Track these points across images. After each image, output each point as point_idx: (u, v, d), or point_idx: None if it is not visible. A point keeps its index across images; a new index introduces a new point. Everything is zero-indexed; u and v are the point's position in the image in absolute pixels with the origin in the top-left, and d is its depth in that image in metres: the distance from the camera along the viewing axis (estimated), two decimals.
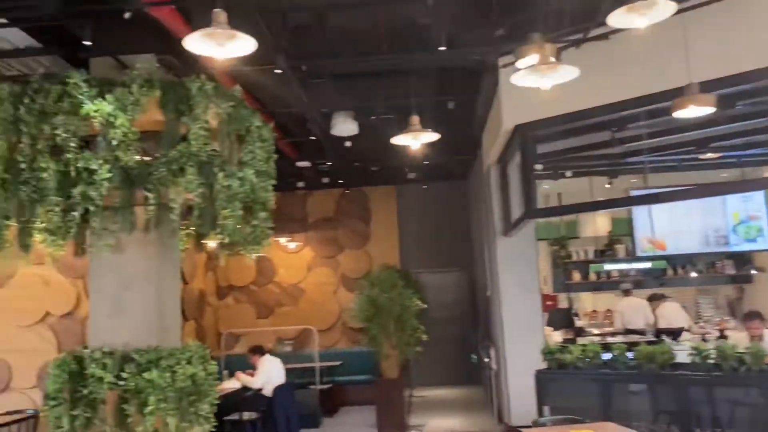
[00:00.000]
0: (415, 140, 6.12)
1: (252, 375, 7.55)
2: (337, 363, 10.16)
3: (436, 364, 11.25)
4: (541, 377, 6.14)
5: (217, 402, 4.90)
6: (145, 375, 4.42)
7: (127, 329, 4.77)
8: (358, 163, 9.79)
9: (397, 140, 6.21)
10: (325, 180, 10.98)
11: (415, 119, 6.02)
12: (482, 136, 8.67)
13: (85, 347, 4.82)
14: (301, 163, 9.49)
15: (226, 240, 4.81)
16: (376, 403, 8.34)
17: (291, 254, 11.69)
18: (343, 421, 9.43)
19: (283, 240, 11.43)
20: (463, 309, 11.85)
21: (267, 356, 7.76)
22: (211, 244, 5.35)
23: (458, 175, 11.40)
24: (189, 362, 4.75)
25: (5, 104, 4.37)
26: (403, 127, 6.11)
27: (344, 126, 7.45)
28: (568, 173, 8.60)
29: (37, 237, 4.53)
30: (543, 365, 6.29)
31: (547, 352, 6.28)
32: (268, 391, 7.44)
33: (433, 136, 6.20)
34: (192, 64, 4.88)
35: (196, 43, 3.79)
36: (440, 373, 11.51)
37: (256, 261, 11.61)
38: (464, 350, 11.19)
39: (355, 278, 11.58)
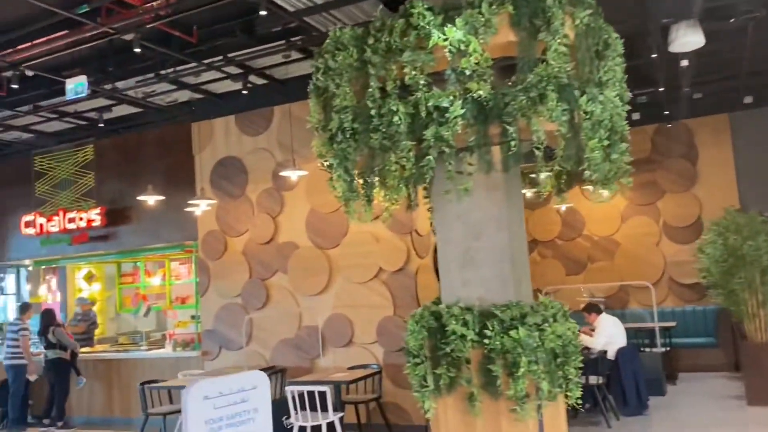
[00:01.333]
0: None
1: (589, 334, 6.84)
2: (673, 323, 8.92)
3: None
4: None
5: (581, 365, 4.27)
6: (512, 333, 3.94)
7: (480, 282, 4.34)
8: (689, 88, 8.28)
9: None
10: (635, 116, 9.65)
11: None
12: None
13: (437, 302, 4.53)
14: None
15: (593, 176, 4.08)
16: (744, 371, 6.97)
17: (600, 203, 10.56)
18: (691, 390, 8.21)
19: (591, 187, 10.35)
20: None
21: (604, 315, 6.97)
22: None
23: None
24: (554, 319, 4.18)
25: (349, 48, 4.16)
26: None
27: (687, 39, 6.16)
28: None
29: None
30: None
31: None
32: (610, 354, 6.66)
33: None
34: None
35: None
36: None
37: (561, 213, 10.97)
38: None
39: (680, 227, 10.09)
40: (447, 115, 3.85)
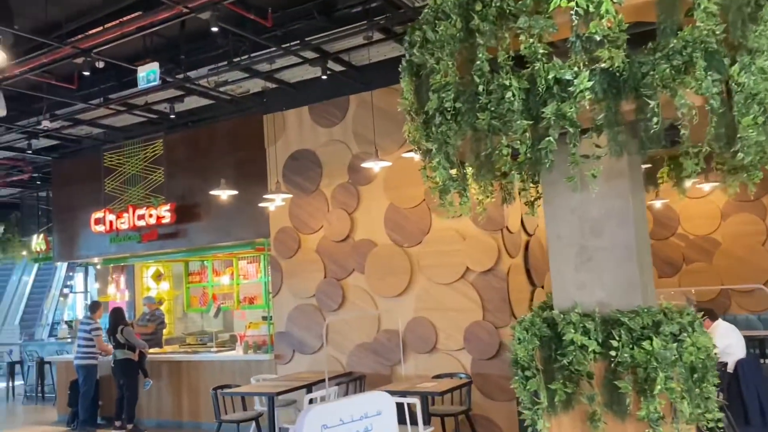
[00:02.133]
0: None
1: None
2: None
3: None
4: None
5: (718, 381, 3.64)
6: (644, 345, 3.34)
7: (600, 285, 3.76)
8: None
9: None
10: None
11: None
12: None
13: (545, 307, 3.98)
14: None
15: (746, 160, 3.43)
16: None
17: (697, 199, 9.75)
18: None
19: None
20: None
21: (720, 321, 6.22)
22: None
23: None
24: (693, 328, 3.56)
25: (452, 17, 3.63)
26: None
27: None
28: None
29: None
30: None
31: None
32: (730, 366, 5.93)
33: None
34: None
35: None
36: None
37: (653, 209, 10.14)
38: None
39: None
40: (571, 89, 3.26)
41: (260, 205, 7.75)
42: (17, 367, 13.64)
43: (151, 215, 9.04)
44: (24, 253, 15.48)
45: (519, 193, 4.40)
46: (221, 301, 10.75)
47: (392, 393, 5.69)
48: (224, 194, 7.66)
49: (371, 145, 7.21)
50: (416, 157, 3.94)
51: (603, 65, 3.25)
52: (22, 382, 13.09)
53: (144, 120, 9.15)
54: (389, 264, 7.21)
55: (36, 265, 20.73)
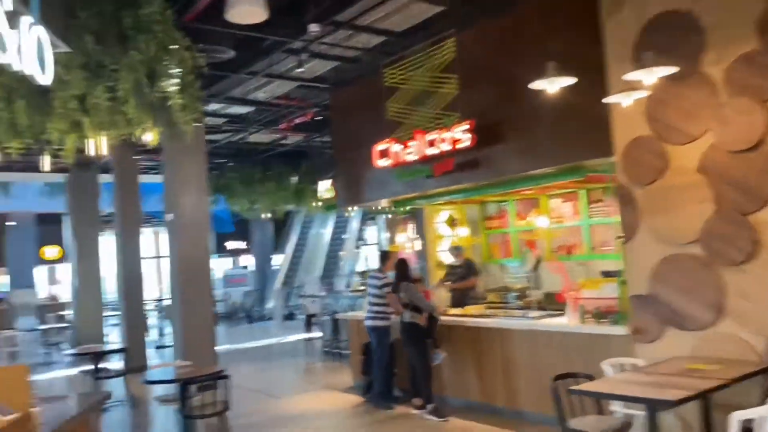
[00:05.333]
0: None
1: None
2: None
3: None
4: None
5: None
6: None
7: None
8: None
9: None
10: None
11: None
12: None
13: None
14: None
15: None
16: None
17: None
18: None
19: None
20: None
21: None
22: None
23: None
24: None
25: None
26: None
27: None
28: None
29: None
30: None
31: None
32: None
33: None
34: None
35: None
36: None
37: None
38: None
39: None
40: None
41: (600, 108, 5.10)
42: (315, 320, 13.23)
43: (443, 140, 6.98)
44: (317, 203, 15.10)
45: None
46: (538, 250, 8.38)
47: None
48: (552, 85, 5.09)
49: None
50: None
51: None
52: (321, 333, 12.55)
53: (427, 18, 7.09)
54: None
55: (332, 218, 20.97)
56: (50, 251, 21.11)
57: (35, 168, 10.17)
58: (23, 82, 4.52)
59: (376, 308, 7.64)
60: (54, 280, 22.08)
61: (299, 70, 8.10)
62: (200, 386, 5.99)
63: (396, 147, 7.70)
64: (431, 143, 7.18)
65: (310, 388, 9.33)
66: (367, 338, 7.92)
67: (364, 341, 8.23)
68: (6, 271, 20.14)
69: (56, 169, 11.15)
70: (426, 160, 7.33)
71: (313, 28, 6.69)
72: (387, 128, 7.96)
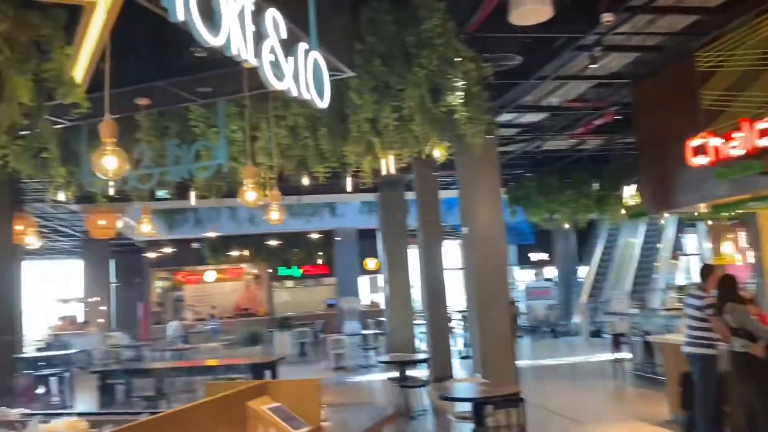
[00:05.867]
0: None
1: None
2: None
3: None
4: None
5: None
6: None
7: None
8: None
9: None
10: None
11: None
12: None
13: None
14: None
15: None
16: None
17: None
18: None
19: None
20: None
21: None
22: None
23: None
24: None
25: None
26: None
27: None
28: None
29: None
30: None
31: None
32: None
33: None
34: None
35: None
36: None
37: None
38: None
39: None
40: None
41: None
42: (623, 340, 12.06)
43: None
44: (622, 210, 13.89)
45: None
46: None
47: None
48: None
49: None
50: None
51: None
52: (630, 354, 11.37)
53: None
54: None
55: (644, 226, 19.21)
56: (370, 263, 23.35)
57: (352, 189, 11.14)
58: (324, 110, 4.84)
59: (696, 332, 6.52)
60: (375, 289, 24.35)
61: (593, 66, 7.42)
62: (496, 406, 5.75)
63: (715, 141, 6.52)
64: (763, 133, 5.89)
65: (620, 417, 8.43)
66: (687, 366, 6.81)
67: (682, 370, 7.11)
68: (335, 281, 22.80)
69: (368, 188, 12.12)
70: (757, 153, 6.03)
71: (607, 17, 6.02)
72: (702, 120, 6.80)
